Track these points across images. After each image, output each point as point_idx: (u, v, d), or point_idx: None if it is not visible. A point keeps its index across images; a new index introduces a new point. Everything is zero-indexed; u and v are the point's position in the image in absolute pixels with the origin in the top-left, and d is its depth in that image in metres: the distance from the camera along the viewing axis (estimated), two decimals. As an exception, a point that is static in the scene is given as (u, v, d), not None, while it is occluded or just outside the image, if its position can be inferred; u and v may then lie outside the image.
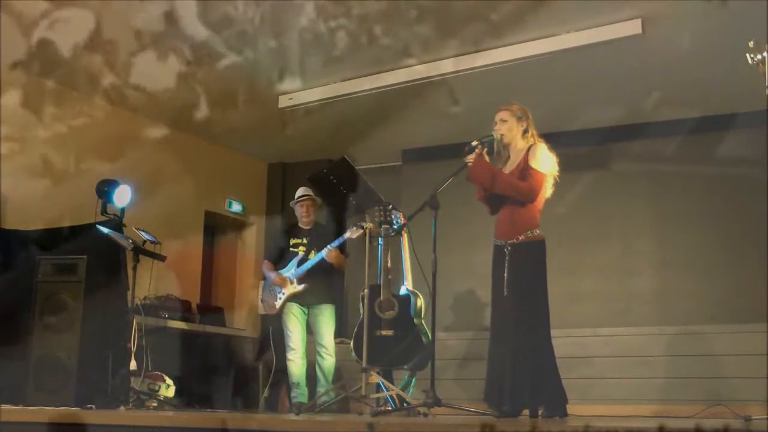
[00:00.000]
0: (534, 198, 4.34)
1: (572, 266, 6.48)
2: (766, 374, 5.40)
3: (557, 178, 4.44)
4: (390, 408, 4.74)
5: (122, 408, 4.89)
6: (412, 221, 4.85)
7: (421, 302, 5.57)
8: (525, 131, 4.46)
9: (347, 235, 5.76)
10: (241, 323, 7.93)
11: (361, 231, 5.26)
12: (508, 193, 4.39)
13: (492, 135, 4.46)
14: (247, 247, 8.33)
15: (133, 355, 5.19)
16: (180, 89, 6.42)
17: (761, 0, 4.53)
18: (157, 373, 5.65)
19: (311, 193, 6.11)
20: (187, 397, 5.97)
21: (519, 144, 4.47)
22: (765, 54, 3.51)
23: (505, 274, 4.30)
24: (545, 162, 4.36)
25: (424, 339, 5.41)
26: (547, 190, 4.44)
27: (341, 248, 5.94)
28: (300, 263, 6.04)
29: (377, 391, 4.91)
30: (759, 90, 3.56)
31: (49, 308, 5.16)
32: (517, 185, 4.35)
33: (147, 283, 5.79)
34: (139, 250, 5.37)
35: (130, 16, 5.29)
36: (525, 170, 4.36)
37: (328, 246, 5.88)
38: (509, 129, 4.46)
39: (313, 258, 5.99)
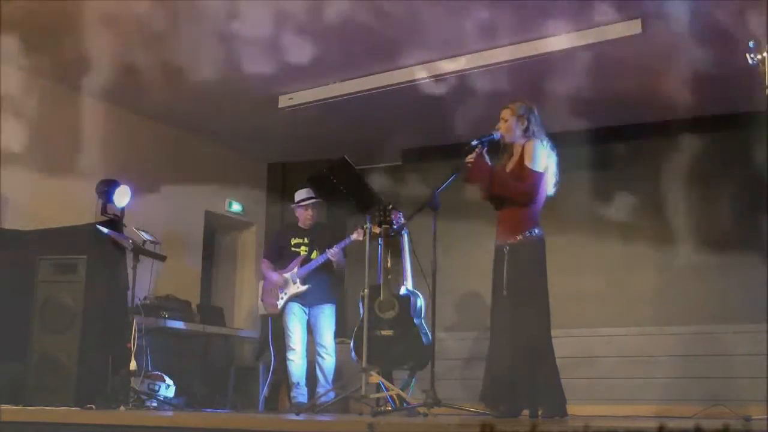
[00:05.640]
0: (531, 198, 4.33)
1: (572, 266, 6.46)
2: (766, 374, 5.39)
3: (555, 176, 4.43)
4: (390, 408, 4.74)
5: (122, 408, 4.89)
6: (412, 221, 4.86)
7: (421, 302, 5.57)
8: (525, 129, 4.45)
9: (354, 236, 5.77)
10: (241, 323, 7.93)
11: (364, 232, 5.28)
12: (505, 195, 4.38)
13: (492, 134, 4.46)
14: (247, 247, 8.32)
15: (133, 355, 5.18)
16: (179, 89, 6.43)
17: (761, 0, 4.52)
18: (157, 373, 5.65)
19: (314, 195, 6.10)
20: (187, 397, 5.97)
21: (519, 142, 4.46)
22: (765, 54, 3.50)
23: (505, 275, 4.30)
24: (540, 160, 4.33)
25: (424, 339, 5.41)
26: (549, 188, 4.42)
27: (342, 249, 5.96)
28: (303, 263, 6.04)
29: (377, 391, 4.91)
30: (759, 90, 3.56)
31: (49, 308, 5.16)
32: (514, 186, 4.34)
33: (147, 283, 5.79)
34: (139, 250, 5.37)
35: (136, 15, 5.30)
36: (522, 169, 4.36)
37: (335, 247, 5.88)
38: (509, 128, 4.46)
39: (317, 258, 6.00)
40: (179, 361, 6.30)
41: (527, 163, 4.33)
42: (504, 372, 4.22)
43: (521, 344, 4.20)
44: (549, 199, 4.47)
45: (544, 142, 4.40)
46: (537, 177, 4.32)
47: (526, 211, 4.34)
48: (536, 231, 4.33)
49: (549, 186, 4.42)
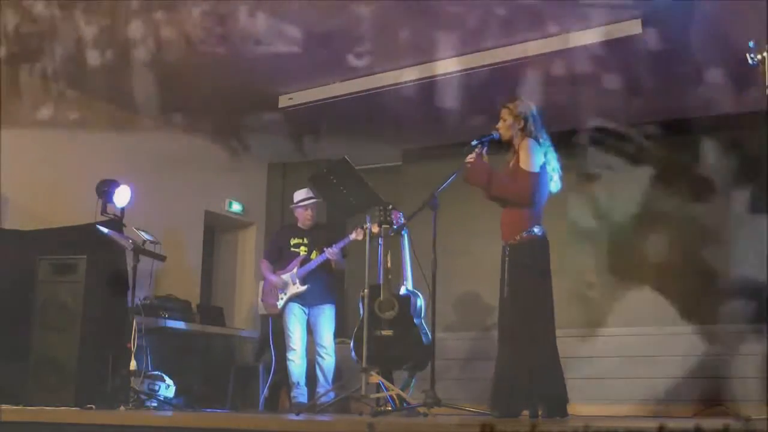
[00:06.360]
0: (526, 199, 4.30)
1: (572, 266, 6.47)
2: (766, 374, 5.40)
3: (557, 172, 4.42)
4: (390, 408, 4.74)
5: (122, 408, 4.89)
6: (412, 221, 4.86)
7: (421, 302, 5.57)
8: (523, 128, 4.43)
9: (352, 236, 5.77)
10: (241, 323, 7.93)
11: (364, 232, 5.29)
12: (502, 196, 4.38)
13: (492, 134, 4.46)
14: (247, 247, 8.33)
15: (133, 355, 5.18)
16: (180, 89, 6.43)
17: (761, 0, 4.52)
18: (157, 373, 5.65)
19: (313, 195, 6.10)
20: (187, 397, 5.97)
21: (517, 142, 4.46)
22: (765, 54, 3.50)
23: (506, 275, 4.30)
24: (534, 159, 4.31)
25: (424, 339, 5.41)
26: (553, 185, 4.41)
27: (341, 249, 5.96)
28: (302, 263, 6.04)
29: (377, 391, 4.91)
30: (759, 90, 3.56)
31: (49, 308, 5.16)
32: (509, 188, 4.33)
33: (147, 283, 5.79)
34: (139, 250, 5.37)
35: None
36: (517, 170, 4.35)
37: (333, 247, 5.88)
38: (507, 128, 4.45)
39: (316, 258, 6.00)
40: (179, 361, 6.29)
41: (521, 163, 4.32)
42: (505, 372, 4.22)
43: (521, 344, 4.19)
44: (553, 195, 4.46)
45: (540, 140, 4.39)
46: (532, 177, 4.29)
47: (525, 211, 4.33)
48: (536, 230, 4.31)
49: (552, 183, 4.41)
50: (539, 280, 4.28)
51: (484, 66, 5.75)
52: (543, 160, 4.35)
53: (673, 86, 6.02)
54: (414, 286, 5.65)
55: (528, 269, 4.28)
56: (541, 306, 4.25)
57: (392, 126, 7.03)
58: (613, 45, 5.33)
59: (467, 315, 6.86)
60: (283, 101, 6.55)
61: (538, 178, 4.31)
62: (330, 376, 5.94)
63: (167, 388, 5.59)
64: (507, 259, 4.31)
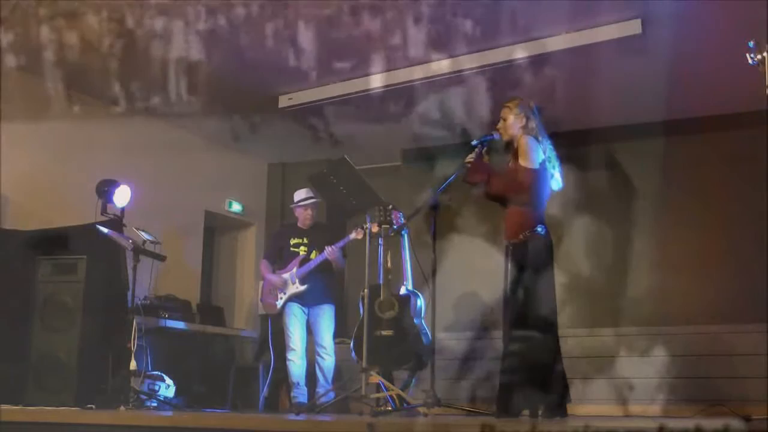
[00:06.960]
0: (526, 196, 4.30)
1: (572, 265, 6.47)
2: (766, 374, 5.40)
3: (557, 170, 4.42)
4: (390, 408, 4.74)
5: (122, 408, 4.89)
6: (412, 221, 4.86)
7: (421, 302, 5.57)
8: (523, 127, 4.44)
9: (352, 236, 5.77)
10: (241, 323, 7.93)
11: (364, 232, 5.29)
12: (502, 194, 4.38)
13: (492, 134, 4.46)
14: (247, 247, 8.33)
15: (133, 355, 5.18)
16: (179, 89, 6.43)
17: (761, 0, 4.52)
18: (157, 373, 5.65)
19: (313, 195, 6.11)
20: (187, 397, 5.97)
21: (516, 140, 4.45)
22: (765, 54, 3.51)
23: (508, 274, 4.30)
24: (533, 156, 4.31)
25: (424, 339, 5.41)
26: (554, 183, 4.41)
27: (341, 249, 5.96)
28: (302, 263, 6.04)
29: (377, 391, 4.91)
30: (759, 90, 3.56)
31: (49, 308, 5.16)
32: (509, 186, 4.33)
33: (147, 283, 5.79)
34: (139, 250, 5.37)
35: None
36: (516, 168, 4.35)
37: (333, 247, 5.88)
38: (507, 127, 4.45)
39: (316, 258, 6.00)
40: (179, 361, 6.29)
41: (520, 160, 4.33)
42: (506, 371, 4.22)
43: (521, 343, 4.19)
44: (555, 193, 4.46)
45: (539, 138, 4.39)
46: (531, 174, 4.29)
47: (528, 210, 4.32)
48: (539, 229, 4.30)
49: (553, 181, 4.41)
50: (540, 280, 4.27)
51: (483, 66, 5.75)
52: (543, 158, 4.35)
53: (673, 86, 6.02)
54: (414, 286, 5.65)
55: (531, 268, 4.27)
56: (543, 305, 4.24)
57: (392, 126, 7.03)
58: (613, 45, 5.33)
59: (467, 315, 6.86)
60: (283, 101, 6.55)
61: (537, 175, 4.31)
62: (330, 376, 5.94)
63: (167, 388, 5.59)
64: (510, 258, 4.32)
